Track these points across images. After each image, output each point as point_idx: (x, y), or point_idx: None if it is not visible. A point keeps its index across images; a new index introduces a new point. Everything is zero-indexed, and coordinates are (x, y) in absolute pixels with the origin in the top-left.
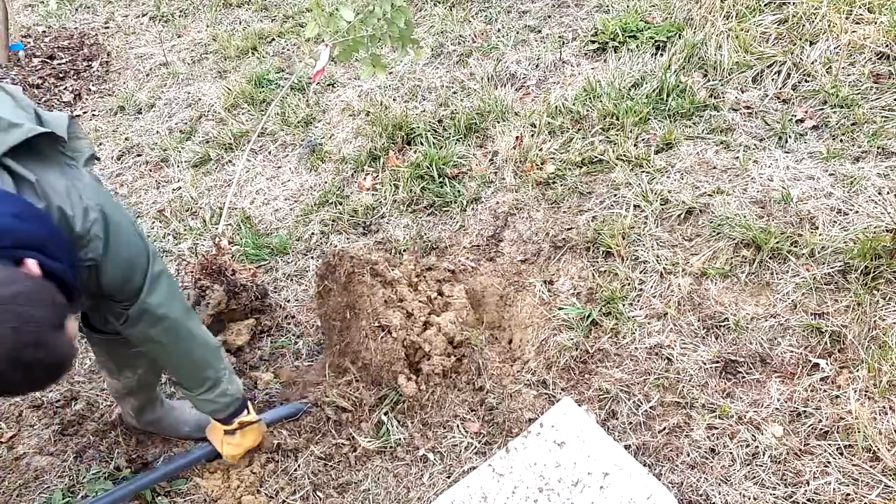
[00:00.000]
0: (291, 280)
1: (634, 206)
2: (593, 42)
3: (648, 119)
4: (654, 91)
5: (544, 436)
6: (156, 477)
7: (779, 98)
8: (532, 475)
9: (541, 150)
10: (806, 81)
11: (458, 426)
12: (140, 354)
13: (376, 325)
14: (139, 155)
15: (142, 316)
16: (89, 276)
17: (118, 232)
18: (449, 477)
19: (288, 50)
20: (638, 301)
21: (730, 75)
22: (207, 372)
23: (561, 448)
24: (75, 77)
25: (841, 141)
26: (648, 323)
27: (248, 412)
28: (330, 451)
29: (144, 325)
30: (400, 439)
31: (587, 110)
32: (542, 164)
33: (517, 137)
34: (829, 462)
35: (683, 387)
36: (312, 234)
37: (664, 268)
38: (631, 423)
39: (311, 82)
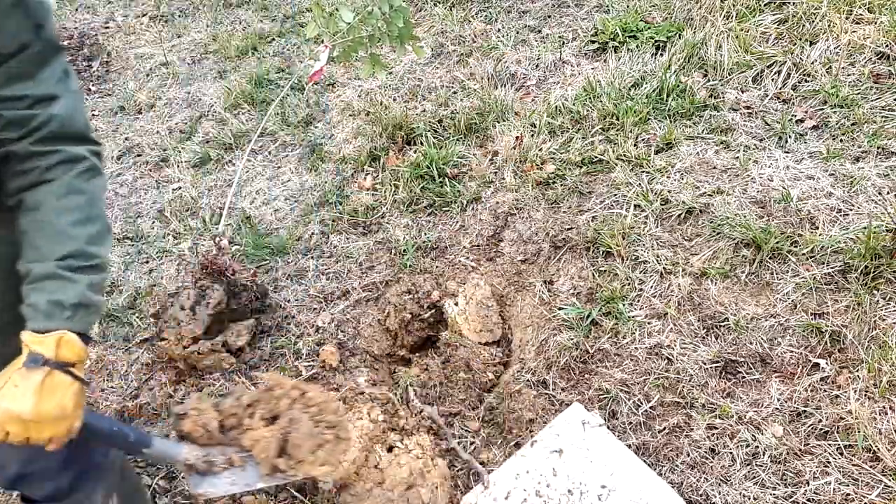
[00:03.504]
0: (291, 280)
1: (634, 206)
2: (593, 42)
3: (648, 119)
4: (654, 91)
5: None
6: None
7: (779, 98)
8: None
9: (541, 150)
10: (806, 81)
11: (457, 423)
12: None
13: None
14: (139, 155)
15: (51, 120)
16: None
17: None
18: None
19: (288, 50)
20: (638, 301)
21: (730, 75)
22: (103, 243)
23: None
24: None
25: (841, 141)
26: (648, 323)
27: (84, 346)
28: None
29: (52, 137)
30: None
31: (587, 110)
32: (542, 164)
33: (517, 137)
34: (829, 462)
35: (683, 387)
36: (312, 234)
37: (664, 268)
38: (631, 423)
39: (309, 82)
